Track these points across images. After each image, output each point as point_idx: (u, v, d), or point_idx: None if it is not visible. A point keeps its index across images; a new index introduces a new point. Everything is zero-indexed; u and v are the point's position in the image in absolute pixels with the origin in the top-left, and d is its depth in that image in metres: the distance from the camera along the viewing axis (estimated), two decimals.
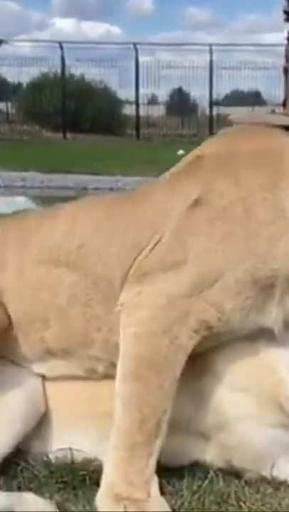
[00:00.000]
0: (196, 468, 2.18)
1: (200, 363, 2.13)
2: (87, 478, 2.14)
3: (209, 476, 2.15)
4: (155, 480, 1.99)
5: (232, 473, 2.17)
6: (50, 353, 2.25)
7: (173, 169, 2.33)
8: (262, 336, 2.12)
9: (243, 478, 2.15)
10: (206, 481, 2.12)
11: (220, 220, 2.00)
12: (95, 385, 2.25)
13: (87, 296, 2.16)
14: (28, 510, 1.96)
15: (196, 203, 2.04)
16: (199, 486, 2.10)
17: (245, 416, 2.11)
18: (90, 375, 2.25)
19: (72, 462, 2.19)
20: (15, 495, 2.04)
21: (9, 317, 2.24)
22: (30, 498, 2.01)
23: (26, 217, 2.46)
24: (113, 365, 2.09)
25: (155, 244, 2.07)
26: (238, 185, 2.03)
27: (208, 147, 2.24)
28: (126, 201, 2.27)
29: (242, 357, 2.14)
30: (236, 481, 2.15)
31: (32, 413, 2.21)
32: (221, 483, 2.13)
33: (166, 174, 2.35)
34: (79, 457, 2.21)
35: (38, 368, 2.28)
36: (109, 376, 2.11)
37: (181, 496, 2.06)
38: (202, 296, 1.98)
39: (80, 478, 2.14)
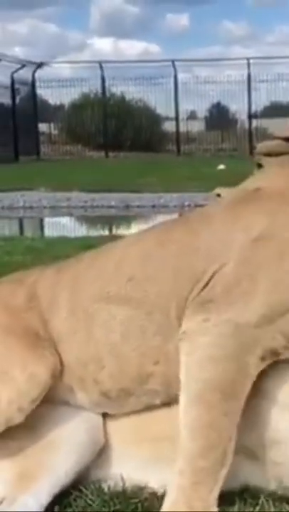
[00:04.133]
0: (247, 494, 2.19)
1: None
2: (139, 505, 2.16)
3: (260, 501, 2.15)
4: (215, 508, 2.00)
5: (283, 499, 2.18)
6: (106, 397, 2.23)
7: (228, 197, 2.35)
8: None
9: None
10: (257, 507, 2.13)
11: (287, 252, 2.05)
12: (144, 412, 2.28)
13: (141, 329, 2.16)
14: None
15: (261, 235, 2.08)
16: None
17: None
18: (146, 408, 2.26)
19: (124, 490, 2.23)
20: None
21: (62, 363, 2.24)
22: None
23: (80, 258, 2.48)
24: (170, 397, 2.13)
25: (214, 273, 2.08)
26: None
27: (266, 179, 2.28)
28: (178, 228, 2.29)
29: None
30: (287, 506, 2.15)
31: (91, 445, 2.24)
32: (272, 509, 2.13)
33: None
34: (130, 485, 2.24)
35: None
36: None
37: None
38: (272, 326, 2.01)
39: (132, 506, 2.16)
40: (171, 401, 2.18)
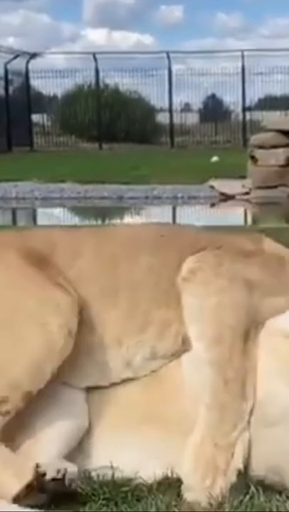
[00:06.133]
0: (237, 483, 2.19)
1: None
2: (129, 494, 2.17)
3: (250, 490, 2.16)
4: (239, 447, 2.16)
5: (273, 487, 2.19)
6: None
7: None
8: None
9: (283, 493, 2.16)
10: (247, 496, 2.14)
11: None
12: (130, 400, 2.30)
13: (158, 276, 2.38)
14: None
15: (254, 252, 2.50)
16: (240, 502, 2.12)
17: None
18: (126, 368, 2.32)
19: (114, 479, 2.22)
20: None
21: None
22: None
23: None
24: (152, 357, 2.32)
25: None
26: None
27: None
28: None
29: None
30: (277, 496, 2.16)
31: (75, 431, 2.26)
32: (262, 498, 2.14)
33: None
34: (120, 474, 2.24)
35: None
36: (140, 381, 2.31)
37: (223, 510, 2.08)
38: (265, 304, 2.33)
39: (122, 494, 2.17)
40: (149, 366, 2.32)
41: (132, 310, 2.34)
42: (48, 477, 2.04)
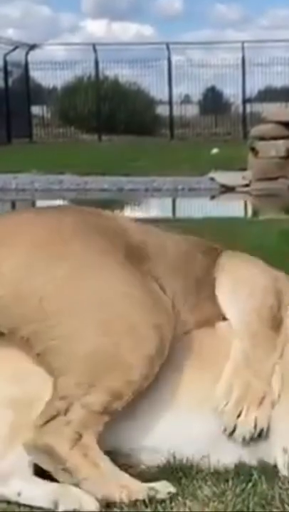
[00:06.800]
0: (240, 471, 2.22)
1: None
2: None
3: (253, 478, 2.18)
4: (275, 379, 2.23)
5: (275, 476, 2.20)
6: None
7: None
8: None
9: (286, 481, 2.17)
10: (250, 484, 2.15)
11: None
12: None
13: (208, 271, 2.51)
14: (71, 505, 2.01)
15: None
16: (243, 489, 2.13)
17: None
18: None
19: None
20: (57, 486, 2.08)
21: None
22: (73, 492, 2.04)
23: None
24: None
25: None
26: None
27: None
28: None
29: None
30: (280, 484, 2.17)
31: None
32: (265, 486, 2.15)
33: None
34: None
35: None
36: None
37: (226, 498, 2.09)
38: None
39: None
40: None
41: (194, 304, 2.41)
42: (159, 497, 2.07)
